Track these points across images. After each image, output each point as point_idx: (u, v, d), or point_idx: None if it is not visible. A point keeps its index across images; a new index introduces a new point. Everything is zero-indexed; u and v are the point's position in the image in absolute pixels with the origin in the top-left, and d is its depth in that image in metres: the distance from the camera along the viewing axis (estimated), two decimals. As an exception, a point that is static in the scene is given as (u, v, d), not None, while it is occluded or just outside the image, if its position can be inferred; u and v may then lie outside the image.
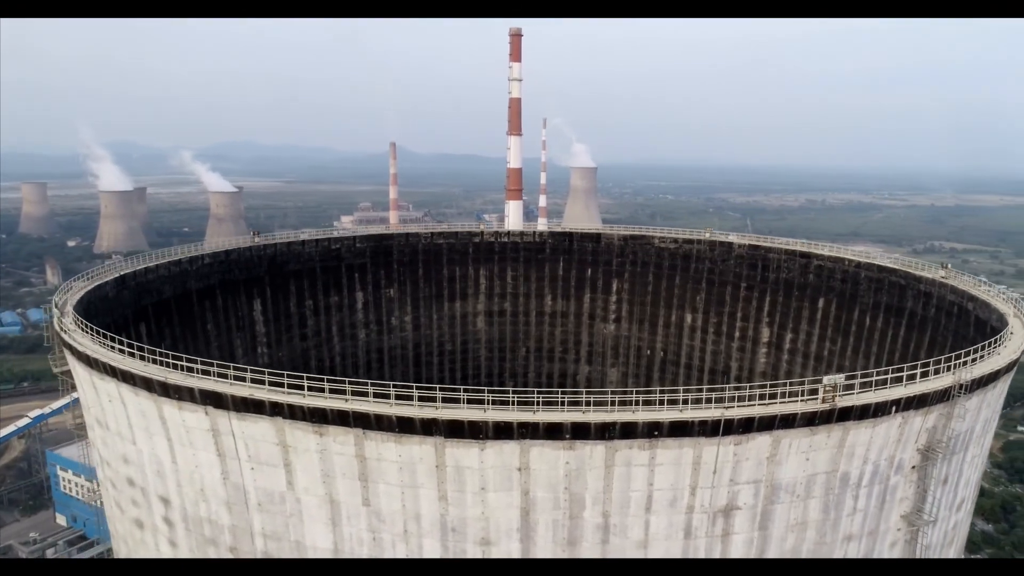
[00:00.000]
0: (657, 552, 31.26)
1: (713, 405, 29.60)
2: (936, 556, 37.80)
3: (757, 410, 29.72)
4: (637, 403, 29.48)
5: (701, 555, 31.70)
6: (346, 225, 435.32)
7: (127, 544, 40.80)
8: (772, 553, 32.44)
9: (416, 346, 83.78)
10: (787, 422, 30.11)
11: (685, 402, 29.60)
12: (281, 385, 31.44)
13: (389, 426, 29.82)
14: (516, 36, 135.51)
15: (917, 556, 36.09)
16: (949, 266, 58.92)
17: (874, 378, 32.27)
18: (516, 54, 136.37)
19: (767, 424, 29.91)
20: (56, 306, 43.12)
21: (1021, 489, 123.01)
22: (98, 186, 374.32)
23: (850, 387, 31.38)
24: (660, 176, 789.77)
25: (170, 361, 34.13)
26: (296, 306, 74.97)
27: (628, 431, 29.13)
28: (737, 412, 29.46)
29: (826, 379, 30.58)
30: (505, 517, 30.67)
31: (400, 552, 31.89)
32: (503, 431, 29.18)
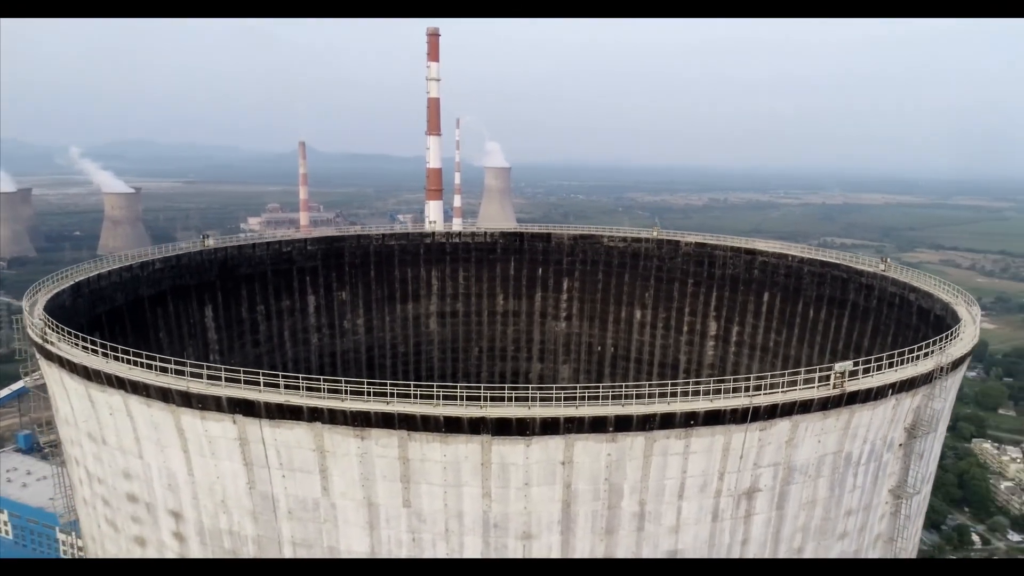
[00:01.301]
0: (687, 536, 32.96)
1: (742, 394, 31.52)
2: (911, 524, 41.30)
3: (780, 397, 31.86)
4: (675, 395, 31.02)
5: (726, 537, 33.64)
6: (254, 227, 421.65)
7: (124, 563, 38.98)
8: (787, 530, 34.78)
9: (369, 349, 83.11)
10: (805, 407, 32.41)
11: (717, 392, 31.38)
12: (318, 390, 31.17)
13: (436, 426, 30.15)
14: (434, 36, 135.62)
15: (899, 526, 39.44)
16: (888, 260, 63.76)
17: (873, 364, 35.09)
18: (434, 54, 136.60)
19: (788, 410, 32.11)
20: (30, 317, 40.82)
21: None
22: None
23: (855, 373, 34.02)
24: (571, 176, 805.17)
25: (188, 369, 33.09)
26: (248, 311, 73.11)
27: (667, 421, 30.64)
28: (764, 399, 31.51)
29: (837, 366, 33.08)
30: (547, 511, 31.57)
31: (440, 551, 32.22)
32: (550, 427, 30.09)
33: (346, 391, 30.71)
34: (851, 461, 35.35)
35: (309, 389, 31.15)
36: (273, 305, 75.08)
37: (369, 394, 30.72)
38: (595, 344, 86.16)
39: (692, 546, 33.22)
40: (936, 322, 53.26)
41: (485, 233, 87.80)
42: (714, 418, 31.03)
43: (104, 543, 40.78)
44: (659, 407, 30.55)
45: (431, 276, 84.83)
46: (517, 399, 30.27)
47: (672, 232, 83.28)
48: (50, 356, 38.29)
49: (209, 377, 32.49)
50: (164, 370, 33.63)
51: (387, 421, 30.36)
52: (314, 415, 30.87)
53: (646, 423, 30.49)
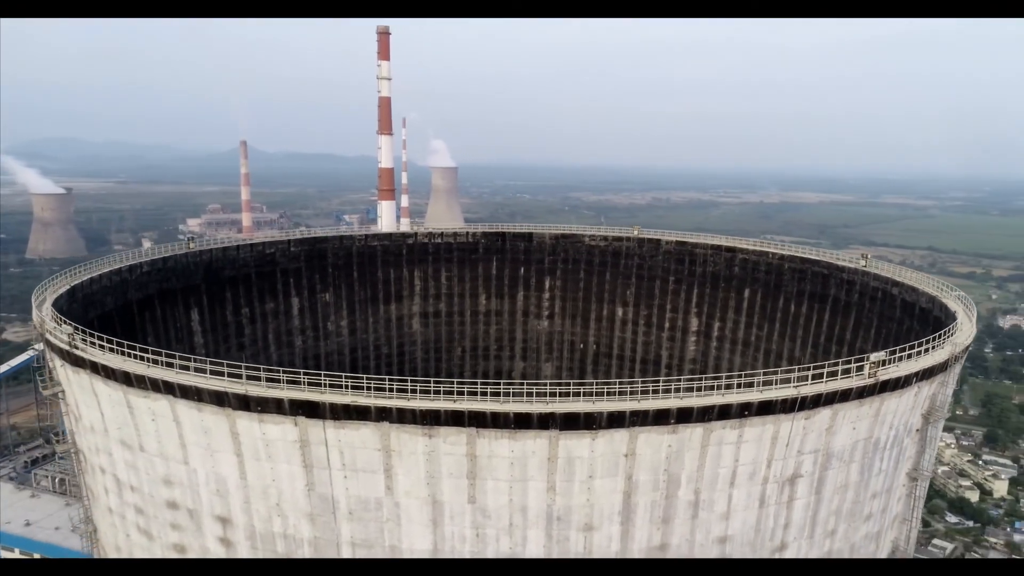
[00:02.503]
0: (736, 522, 34.41)
1: (791, 384, 33.10)
2: (919, 505, 43.83)
3: (824, 387, 33.57)
4: (730, 386, 32.39)
5: (770, 522, 35.24)
6: (193, 229, 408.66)
7: (160, 572, 38.13)
8: (823, 513, 36.63)
9: (352, 351, 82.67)
10: (845, 396, 34.23)
11: (767, 383, 32.87)
12: (384, 390, 31.33)
13: (505, 423, 30.72)
14: (384, 34, 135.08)
15: (912, 506, 41.90)
16: (869, 256, 66.84)
17: (898, 355, 37.20)
18: (384, 52, 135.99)
19: (830, 399, 33.86)
20: (55, 323, 39.61)
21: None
22: None
23: (885, 363, 36.03)
24: (515, 176, 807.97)
25: (245, 372, 32.77)
26: (233, 314, 71.99)
27: (724, 412, 31.98)
28: (810, 389, 33.16)
29: (872, 356, 35.01)
30: (608, 502, 32.52)
31: (504, 546, 32.79)
32: (616, 420, 31.03)
33: (416, 389, 30.97)
34: (878, 446, 37.42)
35: (376, 389, 31.29)
36: (257, 307, 74.10)
37: (438, 392, 31.04)
38: (577, 342, 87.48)
39: (740, 531, 34.70)
40: (922, 315, 56.16)
41: (467, 233, 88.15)
42: (766, 408, 32.52)
43: (133, 552, 39.79)
44: (718, 399, 31.85)
45: (413, 276, 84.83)
46: (585, 394, 31.11)
47: (653, 231, 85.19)
48: (79, 362, 37.22)
49: (268, 379, 32.27)
50: (218, 373, 33.19)
51: (456, 419, 30.78)
52: (382, 415, 31.04)
53: (705, 414, 31.75)
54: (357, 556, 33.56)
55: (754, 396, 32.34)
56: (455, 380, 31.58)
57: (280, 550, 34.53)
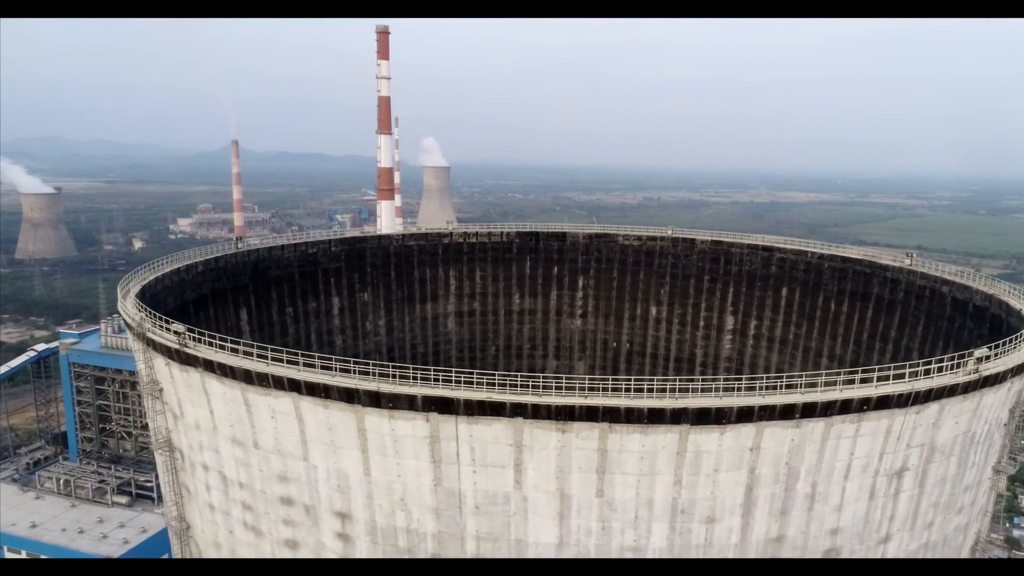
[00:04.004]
0: (848, 514, 35.30)
1: (905, 379, 34.03)
2: (1001, 497, 45.04)
3: (935, 382, 34.54)
4: (850, 382, 33.26)
5: (877, 515, 36.17)
6: (184, 229, 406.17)
7: (268, 569, 38.44)
8: (924, 505, 37.62)
9: (390, 350, 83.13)
10: (952, 391, 35.22)
11: (884, 379, 33.76)
12: (516, 386, 31.89)
13: (639, 418, 31.40)
14: (383, 34, 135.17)
15: (994, 501, 43.06)
16: (914, 255, 68.02)
17: (987, 353, 38.18)
18: (384, 52, 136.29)
19: (939, 394, 34.83)
20: (161, 322, 39.97)
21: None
22: None
23: (987, 359, 36.98)
24: (506, 175, 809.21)
25: (372, 370, 33.22)
26: (278, 314, 72.38)
27: (845, 407, 32.84)
28: (923, 384, 34.10)
29: (977, 352, 36.00)
30: (731, 495, 33.29)
31: (628, 538, 33.47)
32: (745, 415, 31.80)
33: (551, 385, 31.56)
34: (974, 440, 38.48)
35: (510, 385, 31.83)
36: (300, 307, 74.49)
37: (571, 388, 31.64)
38: (610, 340, 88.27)
39: (851, 523, 35.59)
40: (977, 312, 57.34)
41: (501, 233, 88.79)
42: (884, 403, 33.41)
43: (236, 548, 40.06)
44: (839, 394, 32.70)
45: (449, 276, 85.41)
46: (715, 390, 31.86)
47: (687, 231, 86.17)
48: (190, 360, 37.48)
49: (400, 377, 32.75)
50: (346, 370, 33.61)
51: (590, 414, 31.40)
52: (516, 411, 31.60)
53: (828, 409, 32.60)
54: (482, 549, 34.08)
55: (872, 391, 33.21)
56: (586, 376, 32.21)
57: (402, 544, 34.97)
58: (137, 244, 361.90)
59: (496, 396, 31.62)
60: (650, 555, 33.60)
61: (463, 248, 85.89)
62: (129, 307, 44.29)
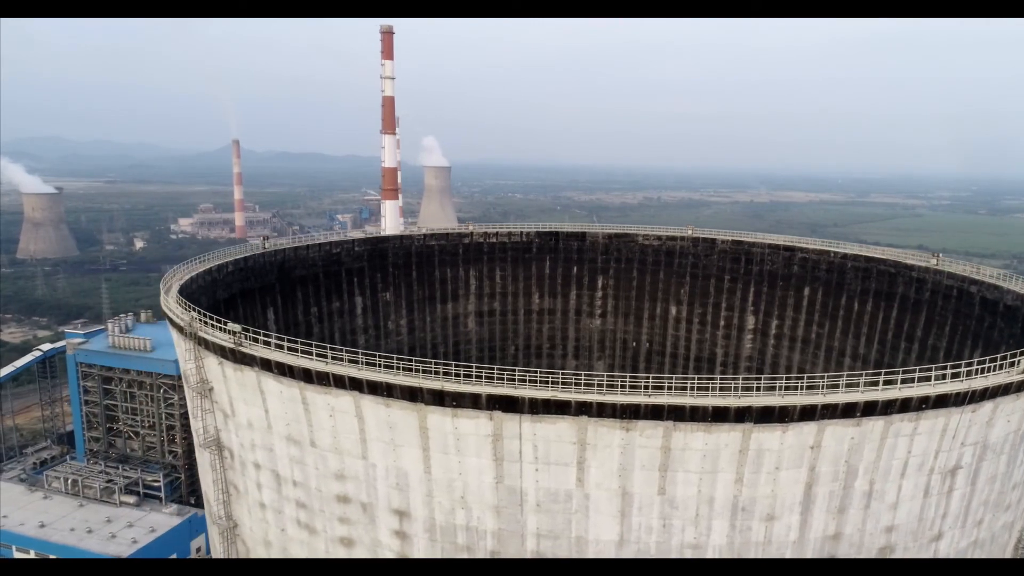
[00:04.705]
0: (903, 511, 35.59)
1: (962, 379, 34.33)
2: (1037, 496, 45.31)
3: (990, 381, 34.84)
4: (906, 381, 33.53)
5: (931, 512, 36.47)
6: (185, 229, 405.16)
7: (322, 567, 38.58)
8: (975, 503, 37.93)
9: (411, 350, 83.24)
10: (1006, 390, 35.54)
11: (941, 378, 34.06)
12: (580, 384, 32.11)
13: (703, 416, 31.64)
14: (388, 34, 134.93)
15: (1036, 497, 43.34)
16: (940, 255, 68.27)
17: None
18: (388, 52, 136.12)
19: (994, 392, 35.15)
20: (218, 323, 40.22)
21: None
22: None
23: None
24: (506, 175, 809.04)
25: (435, 370, 33.41)
26: (303, 314, 72.62)
27: (904, 406, 33.13)
28: (979, 383, 34.41)
29: (1028, 351, 36.32)
30: (791, 493, 33.55)
31: (689, 536, 33.72)
32: (807, 413, 32.07)
33: (616, 384, 31.77)
34: (1023, 438, 38.81)
35: (574, 384, 32.05)
36: (324, 307, 74.74)
37: (635, 386, 31.87)
38: (630, 340, 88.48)
39: (905, 521, 35.89)
40: (1008, 312, 57.69)
41: (521, 233, 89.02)
42: (942, 401, 33.71)
43: (288, 546, 40.20)
44: (899, 393, 32.98)
45: (469, 276, 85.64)
46: (778, 389, 32.10)
47: (707, 230, 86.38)
48: (245, 359, 37.63)
49: (464, 375, 32.95)
50: (409, 369, 33.79)
51: (655, 413, 31.63)
52: (581, 409, 31.80)
53: (888, 408, 32.88)
54: (542, 547, 34.28)
55: (931, 390, 33.50)
56: (650, 376, 32.45)
57: (461, 541, 35.17)
58: (138, 244, 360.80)
59: (562, 395, 31.83)
60: (710, 553, 33.88)
61: (483, 248, 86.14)
62: (174, 306, 44.45)
